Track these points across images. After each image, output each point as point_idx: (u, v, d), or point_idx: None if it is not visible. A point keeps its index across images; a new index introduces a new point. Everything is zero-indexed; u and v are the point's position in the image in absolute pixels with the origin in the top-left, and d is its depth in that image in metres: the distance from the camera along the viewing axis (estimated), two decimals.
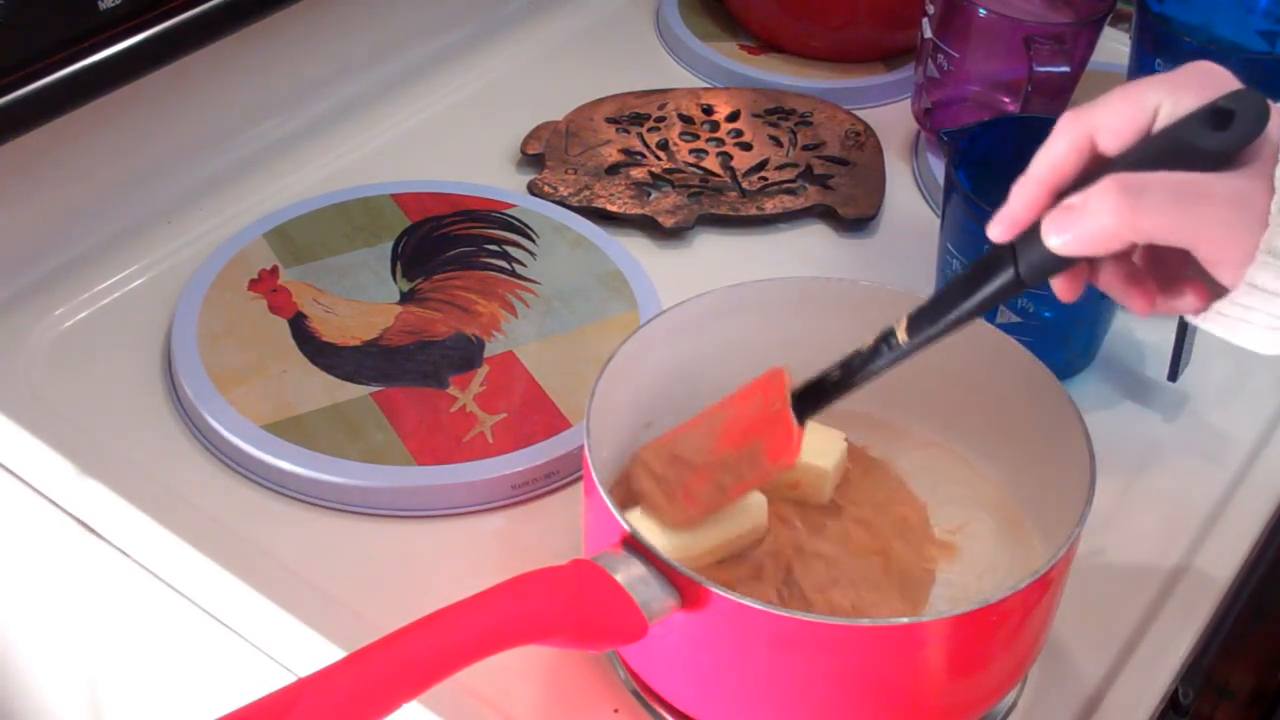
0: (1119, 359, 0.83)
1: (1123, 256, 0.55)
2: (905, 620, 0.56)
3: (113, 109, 0.80)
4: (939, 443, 0.71)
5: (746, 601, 0.54)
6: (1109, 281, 0.56)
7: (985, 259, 0.56)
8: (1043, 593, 0.58)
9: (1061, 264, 0.53)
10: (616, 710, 0.64)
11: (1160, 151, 0.52)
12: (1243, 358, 0.84)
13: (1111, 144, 0.53)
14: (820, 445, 0.66)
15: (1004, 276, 0.55)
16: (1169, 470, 0.77)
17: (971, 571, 0.66)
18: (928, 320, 0.57)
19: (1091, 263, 0.55)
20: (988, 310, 0.56)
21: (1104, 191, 0.51)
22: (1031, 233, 0.53)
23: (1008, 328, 0.69)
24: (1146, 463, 0.77)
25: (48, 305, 0.81)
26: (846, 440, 0.67)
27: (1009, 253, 0.55)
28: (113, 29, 0.77)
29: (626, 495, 0.67)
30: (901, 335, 0.58)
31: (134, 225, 0.86)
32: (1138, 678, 0.66)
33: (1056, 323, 0.78)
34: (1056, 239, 0.52)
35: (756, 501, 0.64)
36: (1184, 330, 0.77)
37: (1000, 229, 0.55)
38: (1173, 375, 0.79)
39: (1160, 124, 0.53)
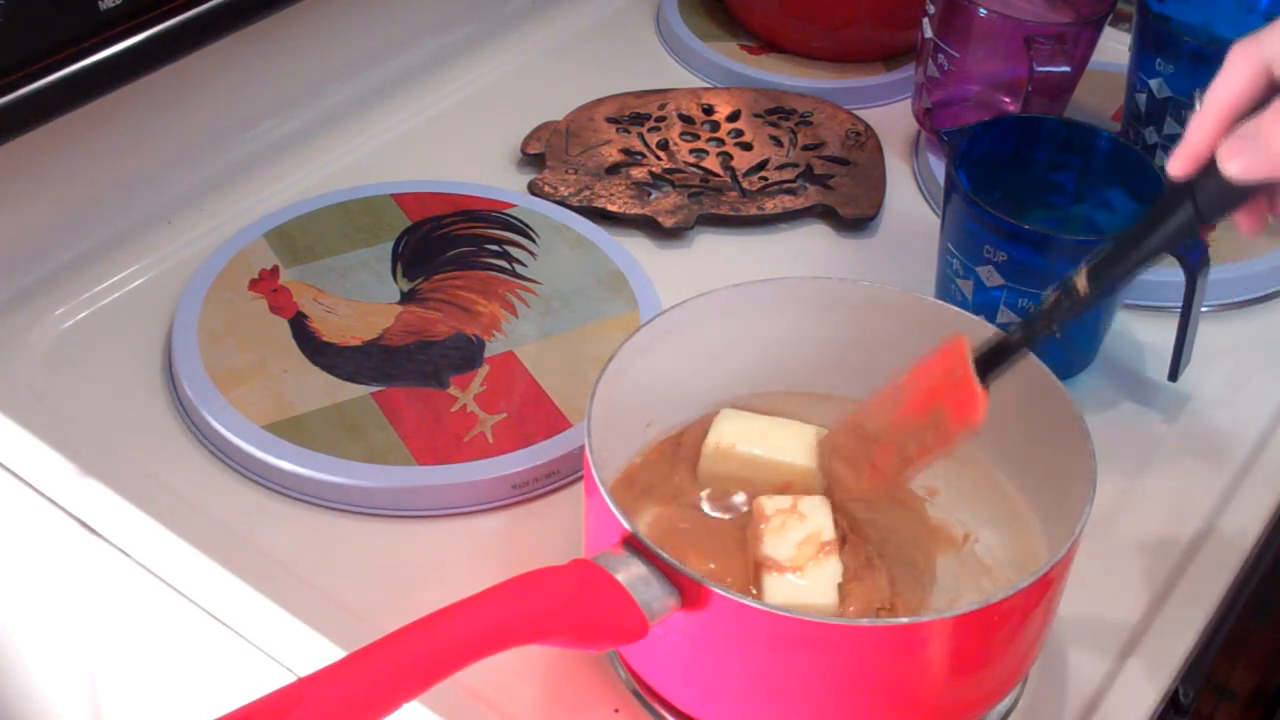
0: (1119, 359, 0.83)
1: None
2: (905, 620, 0.56)
3: (113, 109, 0.80)
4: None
5: (747, 601, 0.54)
6: None
7: (1162, 200, 0.56)
8: (1043, 593, 0.58)
9: (1240, 196, 0.54)
10: (616, 710, 0.64)
11: None
12: (1242, 358, 0.84)
13: None
14: (801, 444, 0.67)
15: (1183, 214, 0.55)
16: (1169, 470, 0.77)
17: (971, 571, 0.66)
18: (1108, 267, 0.57)
19: (1270, 194, 0.55)
20: (1168, 252, 0.56)
21: (1279, 113, 0.51)
22: (1209, 167, 0.53)
23: (1008, 328, 0.69)
24: (1146, 463, 0.77)
25: (48, 305, 0.81)
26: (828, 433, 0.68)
27: (1186, 190, 0.54)
28: (113, 29, 0.77)
29: (628, 494, 0.67)
30: (1082, 285, 0.58)
31: (134, 225, 0.86)
32: (1138, 678, 0.66)
33: None
34: (1234, 164, 0.52)
35: (809, 469, 0.66)
36: (1184, 330, 0.77)
37: (1180, 163, 0.55)
38: (1173, 375, 0.79)
39: None
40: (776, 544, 0.62)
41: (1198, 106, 0.56)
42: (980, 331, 0.67)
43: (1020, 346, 0.60)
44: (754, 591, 0.62)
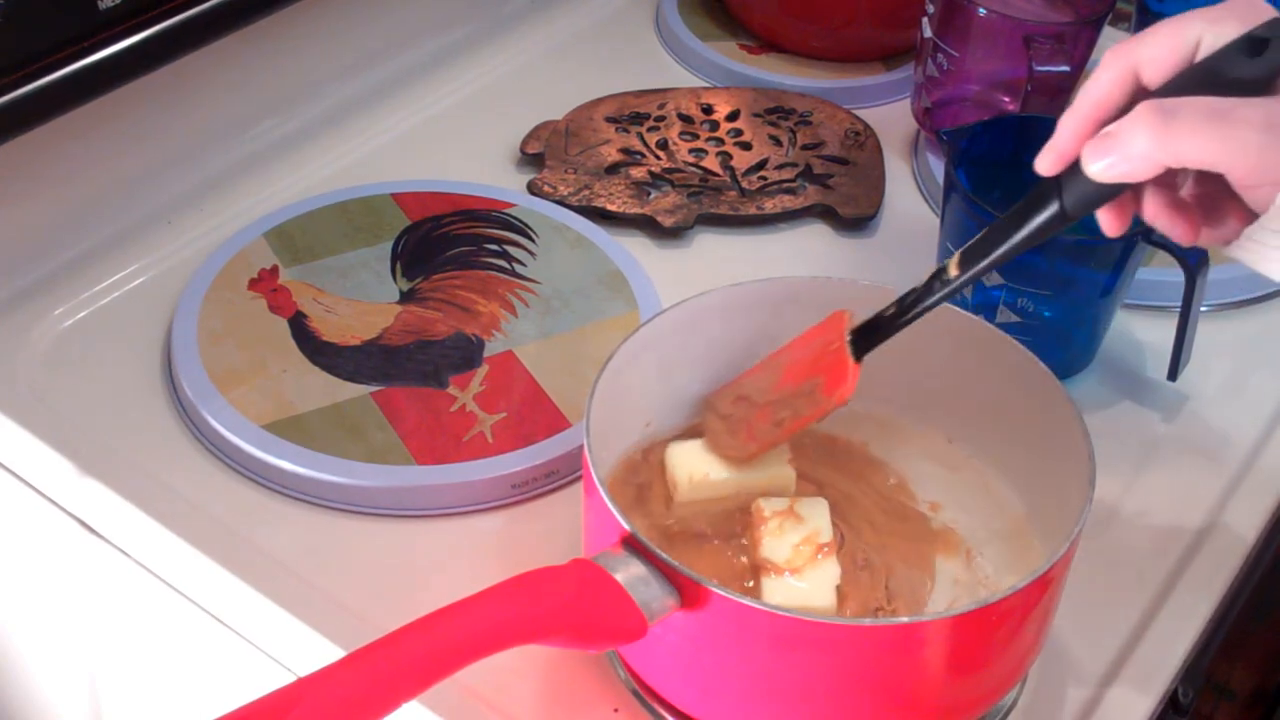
0: (1119, 359, 0.83)
1: (1167, 186, 0.57)
2: (905, 620, 0.56)
3: (113, 109, 0.80)
4: (938, 442, 0.71)
5: (746, 601, 0.54)
6: (1154, 212, 0.57)
7: (1031, 194, 0.57)
8: (1043, 593, 0.58)
9: (1105, 194, 0.55)
10: (616, 710, 0.64)
11: (1198, 80, 0.53)
12: (1242, 358, 0.84)
13: (1154, 76, 0.54)
14: (768, 456, 0.66)
15: (1049, 209, 0.56)
16: (1169, 470, 0.77)
17: (971, 571, 0.66)
18: (978, 254, 0.59)
19: (1136, 194, 0.57)
20: (1034, 244, 0.57)
21: (1138, 116, 0.52)
22: (1076, 165, 0.55)
23: (1008, 328, 0.69)
24: (1146, 463, 0.77)
25: (48, 305, 0.81)
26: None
27: (1054, 187, 0.56)
28: (113, 29, 0.77)
29: (627, 494, 0.67)
30: (953, 270, 0.60)
31: (134, 225, 0.86)
32: (1138, 678, 0.66)
33: (1056, 323, 0.78)
34: (1095, 165, 0.53)
35: (785, 473, 0.66)
36: (1184, 330, 0.77)
37: (1047, 161, 0.56)
38: (1173, 375, 0.79)
39: (1202, 55, 0.54)
40: (774, 546, 0.62)
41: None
42: (978, 330, 0.67)
43: (893, 323, 0.62)
44: (749, 585, 0.63)
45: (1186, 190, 0.57)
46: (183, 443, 0.74)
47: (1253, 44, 0.52)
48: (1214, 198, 0.57)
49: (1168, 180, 0.56)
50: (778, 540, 0.62)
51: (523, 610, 0.54)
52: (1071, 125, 0.56)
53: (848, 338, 0.63)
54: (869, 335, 0.62)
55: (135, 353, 0.79)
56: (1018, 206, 0.58)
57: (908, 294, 0.61)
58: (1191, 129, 0.51)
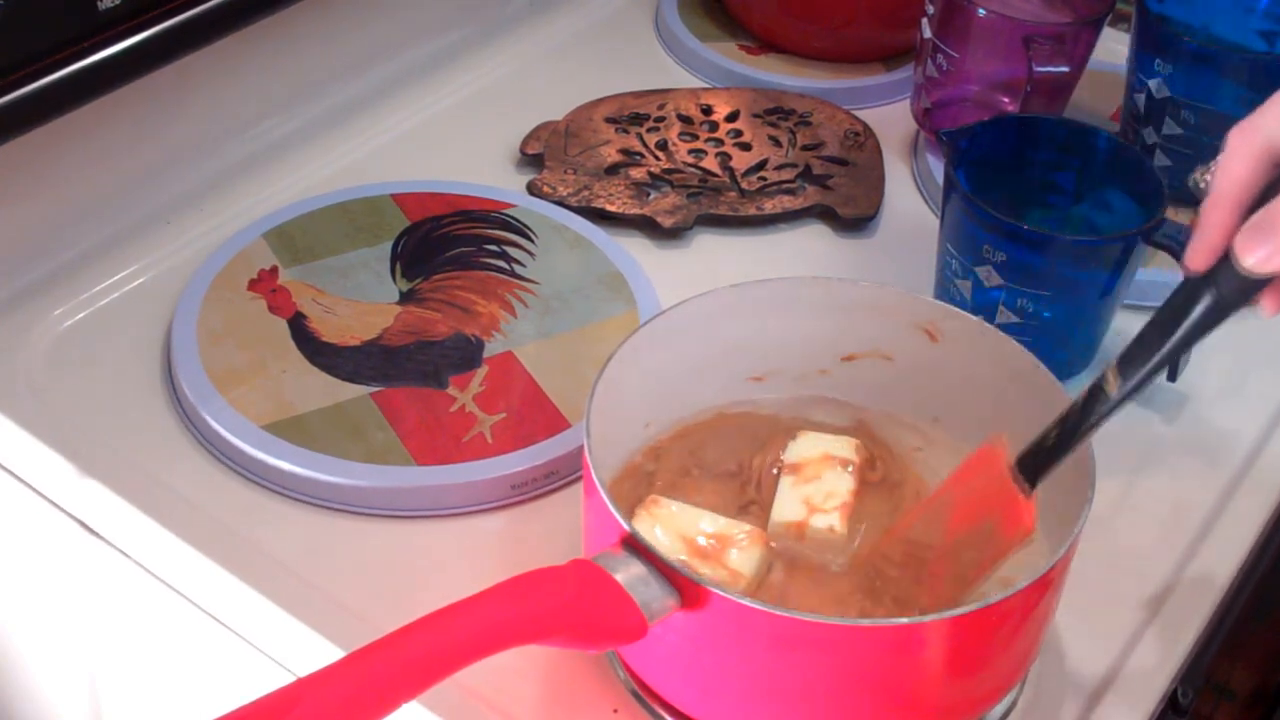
0: None
1: None
2: (905, 620, 0.56)
3: (113, 109, 0.80)
4: (939, 442, 0.71)
5: (746, 601, 0.54)
6: None
7: (1182, 288, 0.56)
8: (1043, 593, 0.58)
9: (1262, 280, 0.53)
10: (616, 710, 0.64)
11: None
12: (1243, 358, 0.84)
13: None
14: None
15: (1204, 303, 0.55)
16: (1169, 470, 0.77)
17: None
18: (1135, 363, 0.57)
19: None
20: (1194, 343, 0.56)
21: None
22: (1226, 255, 0.54)
23: (1008, 328, 0.69)
24: (1146, 463, 0.77)
25: (48, 305, 0.81)
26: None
27: (1207, 279, 0.55)
28: (113, 29, 0.77)
29: (627, 495, 0.67)
30: (1112, 383, 0.57)
31: (134, 225, 0.86)
32: (1138, 678, 0.66)
33: (1056, 323, 0.78)
34: (1250, 258, 0.52)
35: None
36: None
37: (1198, 257, 0.55)
38: (1172, 375, 0.79)
39: None
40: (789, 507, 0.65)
41: (1200, 185, 0.56)
42: (978, 331, 0.67)
43: (1057, 450, 0.59)
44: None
45: None
46: (183, 443, 0.74)
47: None
48: None
49: None
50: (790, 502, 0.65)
51: (523, 610, 0.54)
52: (1216, 216, 0.54)
53: (1012, 471, 0.60)
54: (1034, 465, 0.60)
55: (135, 353, 0.79)
56: (1169, 304, 0.56)
57: (1068, 413, 0.59)
58: None
